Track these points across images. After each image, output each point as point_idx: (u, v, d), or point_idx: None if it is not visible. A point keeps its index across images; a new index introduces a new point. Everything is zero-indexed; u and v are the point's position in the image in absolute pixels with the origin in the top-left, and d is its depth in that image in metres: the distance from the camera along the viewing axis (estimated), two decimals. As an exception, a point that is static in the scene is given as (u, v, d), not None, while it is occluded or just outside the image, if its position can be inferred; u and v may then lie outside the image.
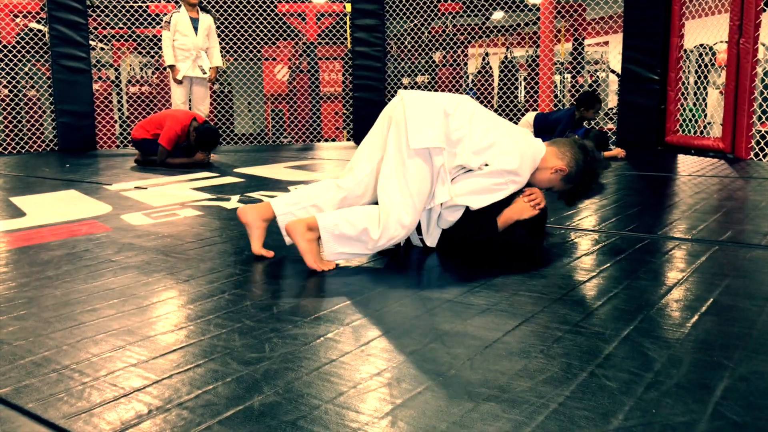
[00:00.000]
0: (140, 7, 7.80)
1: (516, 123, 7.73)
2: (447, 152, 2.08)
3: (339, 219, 2.05)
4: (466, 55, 8.66)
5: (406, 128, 2.05)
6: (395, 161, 2.07)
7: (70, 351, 1.42)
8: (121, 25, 7.92)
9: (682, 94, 6.11)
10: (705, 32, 6.13)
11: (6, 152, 7.41)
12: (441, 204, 2.14)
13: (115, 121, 8.77)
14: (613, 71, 9.00)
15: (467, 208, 2.15)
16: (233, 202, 3.50)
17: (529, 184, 2.27)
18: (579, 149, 2.26)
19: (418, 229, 2.26)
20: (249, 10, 7.94)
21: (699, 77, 6.45)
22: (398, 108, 2.13)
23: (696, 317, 1.56)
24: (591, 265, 2.09)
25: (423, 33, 8.12)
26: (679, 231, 2.57)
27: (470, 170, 2.13)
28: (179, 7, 6.36)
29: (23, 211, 3.35)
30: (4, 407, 1.17)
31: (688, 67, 6.57)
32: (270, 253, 2.26)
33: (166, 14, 6.58)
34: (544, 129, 5.37)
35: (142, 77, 9.07)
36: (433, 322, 1.56)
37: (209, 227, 2.85)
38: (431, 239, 2.25)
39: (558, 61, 7.96)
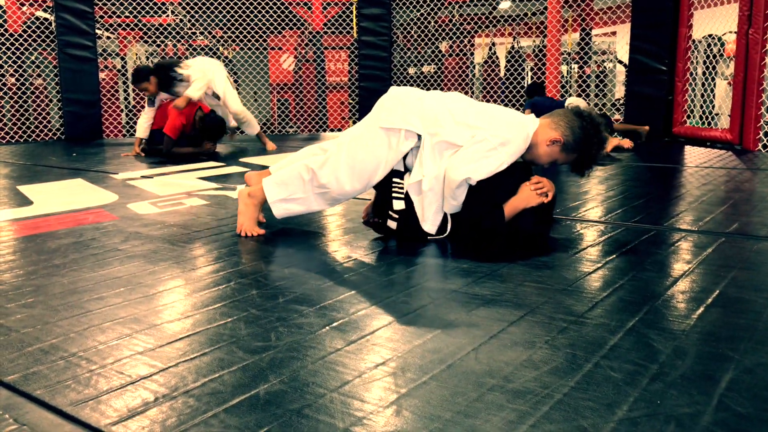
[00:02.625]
0: (146, -5, 7.79)
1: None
2: (426, 133, 2.19)
3: (280, 169, 2.36)
4: (472, 45, 8.61)
5: (379, 109, 2.27)
6: (356, 128, 2.32)
7: (78, 339, 1.43)
8: (127, 13, 7.90)
9: (690, 84, 6.07)
10: (714, 22, 6.08)
11: (13, 141, 7.43)
12: (430, 188, 2.19)
13: (122, 110, 8.78)
14: (620, 62, 8.94)
15: (470, 198, 2.15)
16: (239, 191, 3.50)
17: (532, 164, 2.28)
18: (574, 116, 2.21)
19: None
20: (255, -1, 7.92)
21: (707, 68, 6.40)
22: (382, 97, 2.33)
23: (702, 309, 1.56)
24: (597, 256, 2.09)
25: (429, 22, 8.08)
26: (686, 222, 2.56)
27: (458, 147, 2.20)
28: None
29: (30, 199, 3.36)
30: (13, 394, 1.18)
31: (696, 57, 6.52)
32: None
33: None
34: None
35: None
36: (438, 312, 1.56)
37: (215, 216, 2.85)
38: (429, 225, 2.25)
39: (565, 51, 7.92)
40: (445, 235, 2.27)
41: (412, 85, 8.04)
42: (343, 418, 1.06)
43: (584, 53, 7.81)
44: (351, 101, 8.49)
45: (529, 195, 2.17)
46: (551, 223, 2.34)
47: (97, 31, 7.45)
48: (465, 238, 2.24)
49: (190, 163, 4.87)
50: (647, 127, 5.40)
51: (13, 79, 7.48)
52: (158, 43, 8.48)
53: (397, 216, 2.27)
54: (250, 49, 8.36)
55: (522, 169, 2.26)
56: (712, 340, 1.37)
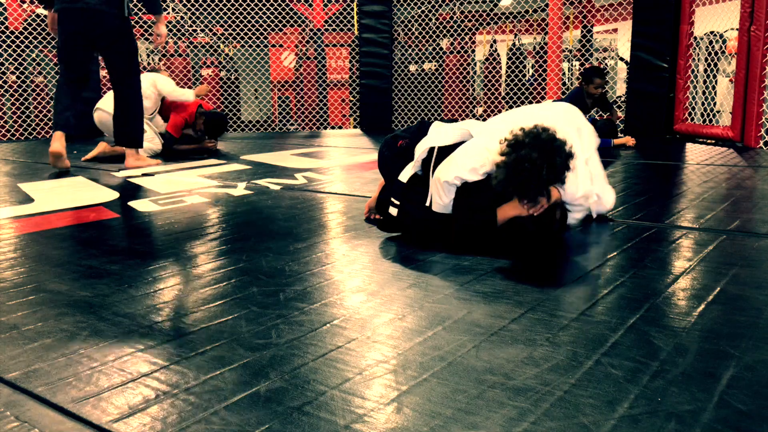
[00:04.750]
0: (147, -7, 7.78)
1: None
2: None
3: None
4: (473, 42, 8.60)
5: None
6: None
7: (79, 336, 1.43)
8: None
9: (691, 82, 6.06)
10: (715, 19, 6.06)
11: (14, 138, 7.44)
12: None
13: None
14: (621, 59, 8.94)
15: (463, 199, 2.15)
16: (240, 189, 3.51)
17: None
18: (511, 145, 1.96)
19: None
20: (256, -3, 7.92)
21: (709, 65, 6.39)
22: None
23: (702, 306, 1.56)
24: (598, 253, 2.08)
25: (430, 19, 8.07)
26: (687, 220, 2.56)
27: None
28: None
29: (32, 197, 3.36)
30: (14, 391, 1.18)
31: (698, 54, 6.50)
32: None
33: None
34: None
35: (149, 64, 9.07)
36: (439, 310, 1.56)
37: (216, 214, 2.85)
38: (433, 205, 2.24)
39: (566, 48, 7.91)
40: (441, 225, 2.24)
41: (412, 82, 8.04)
42: (343, 415, 1.06)
43: (585, 50, 7.80)
44: (352, 99, 8.48)
45: (518, 205, 2.09)
46: (556, 228, 2.25)
47: (97, 28, 7.43)
48: (461, 237, 2.22)
49: (191, 161, 4.87)
50: (633, 140, 5.48)
51: (14, 77, 7.48)
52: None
53: (398, 203, 2.28)
54: (251, 46, 8.35)
55: None
56: (713, 337, 1.36)
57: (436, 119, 2.59)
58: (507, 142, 1.99)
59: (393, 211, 2.30)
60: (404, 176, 2.29)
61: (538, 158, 1.91)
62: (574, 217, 2.37)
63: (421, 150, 2.25)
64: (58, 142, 4.35)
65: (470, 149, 2.17)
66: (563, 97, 5.60)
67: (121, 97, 4.52)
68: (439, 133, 2.28)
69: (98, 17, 4.20)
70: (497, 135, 2.13)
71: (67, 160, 4.50)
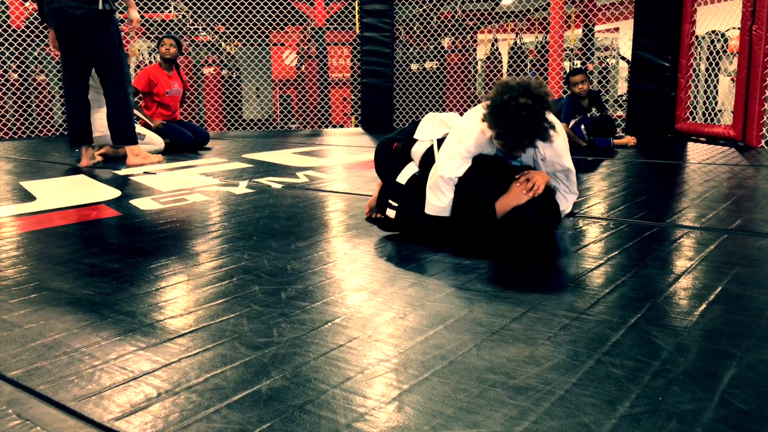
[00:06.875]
0: (148, -9, 7.78)
1: None
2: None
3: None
4: (475, 41, 8.59)
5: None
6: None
7: (80, 334, 1.43)
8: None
9: (693, 81, 6.05)
10: (717, 18, 6.06)
11: (16, 137, 7.44)
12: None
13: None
14: (623, 58, 8.92)
15: (460, 195, 2.15)
16: (241, 187, 3.51)
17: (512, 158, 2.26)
18: (500, 91, 2.00)
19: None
20: (257, -5, 7.91)
21: (710, 64, 6.38)
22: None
23: (704, 306, 1.56)
24: (599, 252, 2.08)
25: (432, 18, 8.07)
26: (688, 219, 2.56)
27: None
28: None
29: (33, 195, 3.37)
30: (16, 389, 1.18)
31: (699, 54, 6.49)
32: None
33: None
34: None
35: (150, 62, 9.06)
36: (440, 309, 1.56)
37: (217, 212, 2.85)
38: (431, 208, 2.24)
39: (567, 47, 7.90)
40: (444, 225, 2.24)
41: (413, 81, 8.04)
42: (345, 413, 1.06)
43: (587, 49, 7.79)
44: (353, 97, 8.48)
45: (517, 193, 2.10)
46: (558, 217, 2.28)
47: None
48: (462, 235, 2.22)
49: (192, 159, 4.87)
50: (634, 140, 5.48)
51: (15, 75, 7.49)
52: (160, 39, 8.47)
53: (396, 205, 2.28)
54: (252, 45, 8.35)
55: (513, 167, 2.24)
56: (714, 336, 1.36)
57: None
58: (495, 91, 2.01)
59: (390, 213, 2.30)
60: (402, 178, 2.29)
61: (522, 97, 1.95)
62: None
63: (419, 152, 2.27)
64: (85, 159, 4.65)
65: (448, 141, 2.19)
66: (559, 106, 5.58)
67: (109, 94, 4.50)
68: (425, 130, 2.34)
69: (69, 14, 4.19)
70: (473, 117, 2.17)
71: (96, 155, 4.86)
